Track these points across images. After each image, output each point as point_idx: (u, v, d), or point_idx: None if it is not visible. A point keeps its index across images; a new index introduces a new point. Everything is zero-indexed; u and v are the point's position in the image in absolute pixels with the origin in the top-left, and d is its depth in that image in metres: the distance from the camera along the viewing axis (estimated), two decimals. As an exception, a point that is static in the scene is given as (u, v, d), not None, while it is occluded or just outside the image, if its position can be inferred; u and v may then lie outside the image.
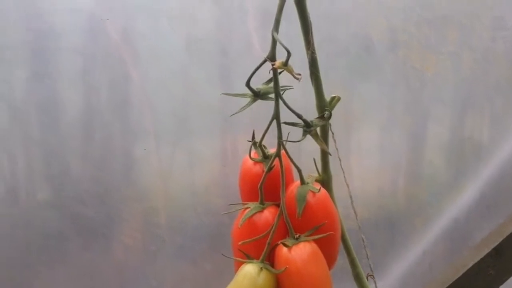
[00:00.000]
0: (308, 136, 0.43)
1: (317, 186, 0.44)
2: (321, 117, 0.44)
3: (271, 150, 0.46)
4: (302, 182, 0.43)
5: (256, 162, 0.45)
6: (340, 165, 0.49)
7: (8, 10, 0.58)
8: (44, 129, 0.60)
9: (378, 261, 0.65)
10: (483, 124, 0.66)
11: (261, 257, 0.40)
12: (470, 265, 0.62)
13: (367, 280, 0.49)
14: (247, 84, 0.42)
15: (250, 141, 0.46)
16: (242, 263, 0.41)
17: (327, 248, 0.42)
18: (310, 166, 0.47)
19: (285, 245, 0.40)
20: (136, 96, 0.61)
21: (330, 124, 0.47)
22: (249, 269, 0.40)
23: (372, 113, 0.64)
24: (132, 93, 0.61)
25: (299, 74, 0.39)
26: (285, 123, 0.42)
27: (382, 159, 0.65)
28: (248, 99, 0.44)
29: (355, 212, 0.48)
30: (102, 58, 0.60)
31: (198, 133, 0.63)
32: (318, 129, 0.45)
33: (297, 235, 0.41)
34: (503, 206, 0.65)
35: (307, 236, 0.41)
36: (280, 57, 0.40)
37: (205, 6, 0.61)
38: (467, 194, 0.66)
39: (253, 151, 0.46)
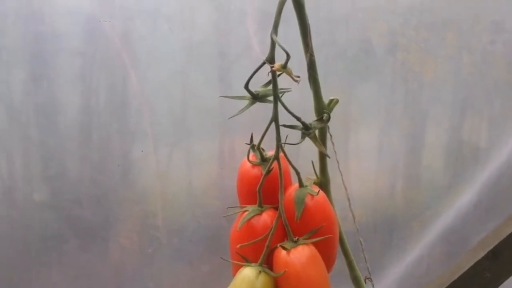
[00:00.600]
0: (307, 139, 0.43)
1: (316, 189, 0.44)
2: (320, 119, 0.44)
3: (270, 152, 0.46)
4: (301, 185, 0.43)
5: (254, 165, 0.45)
6: (338, 167, 0.49)
7: (7, 11, 0.58)
8: (42, 131, 0.60)
9: (376, 264, 0.65)
10: (481, 127, 0.66)
11: (259, 260, 0.40)
12: (467, 267, 0.62)
13: (365, 283, 0.49)
14: (246, 87, 0.42)
15: (248, 144, 0.46)
16: (240, 266, 0.41)
17: (325, 251, 0.42)
18: (308, 169, 0.47)
19: (283, 248, 0.40)
20: (134, 98, 0.61)
21: (328, 127, 0.47)
22: (247, 273, 0.40)
23: (371, 116, 0.64)
24: (130, 95, 0.61)
25: (298, 77, 0.39)
26: (284, 125, 0.42)
27: (380, 162, 0.65)
28: (246, 102, 0.44)
29: (353, 215, 0.48)
30: (101, 60, 0.60)
31: (197, 135, 0.63)
32: (316, 132, 0.45)
33: (296, 238, 0.41)
34: (500, 209, 0.65)
35: (306, 239, 0.41)
36: (279, 59, 0.40)
37: (204, 8, 0.61)
38: (465, 197, 0.66)
39: (251, 154, 0.46)
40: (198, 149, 0.63)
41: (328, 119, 0.44)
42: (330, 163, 0.47)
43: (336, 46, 0.60)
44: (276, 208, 0.42)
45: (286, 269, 0.39)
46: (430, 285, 0.66)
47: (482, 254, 0.61)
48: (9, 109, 0.60)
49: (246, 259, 0.41)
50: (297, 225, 0.42)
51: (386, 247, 0.67)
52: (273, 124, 0.42)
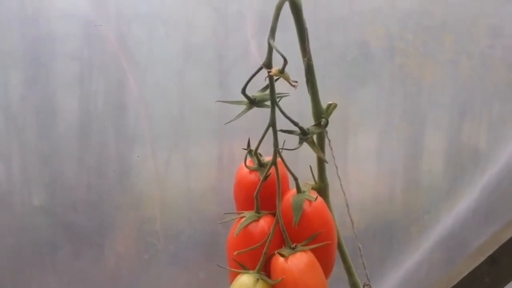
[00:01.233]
0: (305, 143, 0.43)
1: (314, 194, 0.43)
2: (318, 124, 0.43)
3: (267, 158, 0.45)
4: (299, 190, 0.43)
5: (251, 170, 0.45)
6: (337, 172, 0.48)
7: (4, 15, 0.58)
8: (39, 135, 0.60)
9: (375, 269, 0.65)
10: (480, 131, 0.66)
11: (257, 267, 0.40)
12: (466, 273, 0.61)
13: (364, 289, 0.48)
14: (243, 92, 0.42)
15: (245, 149, 0.46)
16: (237, 273, 0.40)
17: (323, 257, 0.41)
18: (307, 173, 0.46)
19: (281, 255, 0.40)
20: (132, 102, 0.61)
21: (326, 132, 0.46)
22: (245, 280, 0.39)
23: (369, 120, 0.64)
24: (128, 99, 0.61)
25: (296, 82, 0.39)
26: (282, 130, 0.42)
27: (379, 166, 0.65)
28: (244, 106, 0.43)
29: (351, 221, 0.48)
30: (99, 64, 0.60)
31: (195, 139, 0.63)
32: (314, 137, 0.44)
33: (294, 245, 0.40)
34: (500, 214, 0.64)
35: (304, 245, 0.40)
36: (277, 64, 0.40)
37: (202, 12, 0.61)
38: (464, 202, 0.65)
39: (248, 159, 0.45)
40: (196, 153, 0.63)
41: (326, 124, 0.43)
42: (328, 168, 0.47)
43: (334, 50, 0.59)
44: (274, 214, 0.42)
45: (284, 277, 0.39)
46: (430, 291, 0.66)
47: (481, 259, 0.60)
48: (6, 112, 0.59)
49: (243, 266, 0.40)
50: (295, 232, 0.41)
51: (385, 252, 0.66)
52: (270, 129, 0.42)
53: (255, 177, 0.44)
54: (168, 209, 0.61)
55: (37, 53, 0.59)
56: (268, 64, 0.41)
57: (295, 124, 0.42)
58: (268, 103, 0.42)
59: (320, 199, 0.43)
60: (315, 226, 0.41)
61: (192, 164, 0.63)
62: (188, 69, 0.62)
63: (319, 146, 0.46)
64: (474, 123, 0.65)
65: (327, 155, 0.47)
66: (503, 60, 0.61)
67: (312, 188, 0.46)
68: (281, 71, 0.39)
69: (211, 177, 0.63)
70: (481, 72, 0.62)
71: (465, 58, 0.61)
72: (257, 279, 0.39)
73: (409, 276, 0.67)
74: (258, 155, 0.45)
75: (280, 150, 0.42)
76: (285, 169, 0.43)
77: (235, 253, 0.40)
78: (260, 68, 0.41)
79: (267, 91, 0.42)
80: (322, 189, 0.47)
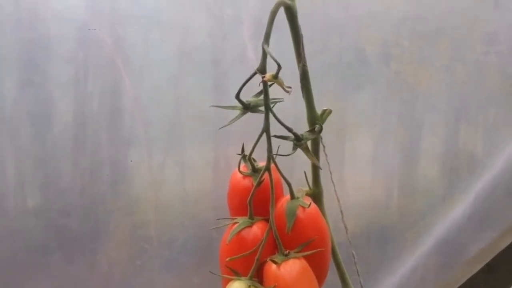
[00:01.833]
0: (300, 149, 0.42)
1: (308, 200, 0.43)
2: (312, 130, 0.43)
3: (261, 163, 0.45)
4: (292, 196, 0.43)
5: (245, 175, 0.44)
6: (331, 178, 0.48)
7: (3, 18, 0.58)
8: (33, 138, 0.59)
9: (369, 275, 0.65)
10: (475, 137, 0.66)
11: (249, 274, 0.40)
12: (462, 281, 0.61)
13: (358, 296, 0.48)
14: (237, 97, 0.42)
15: (239, 154, 0.45)
16: (229, 280, 0.40)
17: (317, 265, 0.41)
18: (302, 178, 0.46)
19: (274, 261, 0.39)
20: (128, 105, 0.61)
21: (321, 137, 0.46)
22: (237, 287, 0.39)
23: (365, 125, 0.63)
24: (124, 102, 0.60)
25: (289, 87, 0.39)
26: (275, 136, 0.42)
27: (375, 171, 0.65)
28: (238, 111, 0.43)
29: (345, 227, 0.48)
30: (94, 66, 0.59)
31: (190, 143, 0.62)
32: (309, 143, 0.44)
33: (287, 251, 0.40)
34: (495, 220, 0.64)
35: (297, 252, 0.40)
36: (272, 69, 0.40)
37: (198, 15, 0.61)
38: (459, 208, 0.65)
39: (242, 165, 0.45)
40: (191, 157, 0.62)
41: (320, 130, 0.43)
42: (323, 173, 0.47)
43: (330, 56, 0.59)
44: (267, 220, 0.42)
45: (276, 284, 0.38)
46: (425, 298, 0.65)
47: (478, 267, 0.60)
48: (0, 116, 0.59)
49: (235, 273, 0.40)
50: (289, 238, 0.41)
51: (380, 258, 0.66)
52: (264, 134, 0.42)
53: (248, 182, 0.44)
54: (162, 214, 0.61)
55: (32, 56, 0.58)
56: (262, 69, 0.40)
57: (289, 130, 0.41)
58: (262, 108, 0.42)
59: (314, 205, 0.43)
60: (309, 232, 0.41)
61: (187, 167, 0.62)
62: (183, 72, 0.62)
63: (314, 152, 0.45)
64: (470, 129, 0.65)
65: (322, 161, 0.47)
66: (499, 67, 0.61)
67: (307, 194, 0.45)
68: (275, 77, 0.39)
69: (205, 181, 0.62)
70: (476, 79, 0.62)
71: (460, 65, 0.61)
72: (249, 286, 0.39)
73: (404, 281, 0.67)
74: (252, 160, 0.45)
75: (274, 155, 0.42)
76: (279, 175, 0.42)
77: (227, 259, 0.40)
78: (254, 73, 0.40)
79: (262, 96, 0.42)
80: (316, 195, 0.46)
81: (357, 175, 0.64)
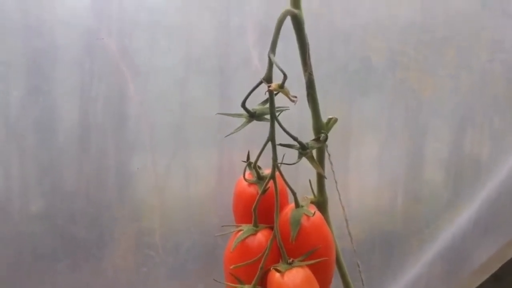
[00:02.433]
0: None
1: (312, 209, 0.43)
2: (317, 139, 0.43)
3: (266, 170, 0.45)
4: (297, 205, 0.43)
5: (250, 183, 0.45)
6: (336, 187, 0.48)
7: (5, 25, 0.58)
8: (39, 144, 0.60)
9: (374, 282, 0.65)
10: (481, 144, 0.65)
11: (253, 282, 0.40)
12: (469, 291, 0.61)
13: (362, 304, 0.48)
14: (243, 105, 0.42)
15: (245, 162, 0.46)
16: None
17: (321, 273, 0.41)
18: (307, 186, 0.46)
19: (277, 270, 0.39)
20: (133, 112, 0.61)
21: (326, 146, 0.46)
22: (241, 295, 0.39)
23: (370, 132, 0.63)
24: (129, 108, 0.61)
25: (295, 97, 0.39)
26: (281, 144, 0.42)
27: (380, 178, 0.65)
28: (243, 119, 0.43)
29: (350, 237, 0.48)
30: (99, 73, 0.60)
31: (196, 148, 0.63)
32: (314, 151, 0.44)
33: (291, 260, 0.40)
34: (501, 228, 0.64)
35: (301, 261, 0.40)
36: (278, 78, 0.40)
37: (204, 21, 0.61)
38: (465, 216, 0.65)
39: (247, 172, 0.46)
40: (197, 163, 0.62)
41: (326, 139, 0.43)
42: (328, 181, 0.47)
43: (335, 63, 0.59)
44: (272, 228, 0.42)
45: (280, 292, 0.39)
46: (429, 305, 0.65)
47: (484, 276, 0.60)
48: (6, 121, 0.59)
49: (239, 280, 0.40)
50: (293, 247, 0.41)
51: (384, 264, 0.66)
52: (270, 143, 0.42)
53: (253, 190, 0.44)
54: (167, 220, 0.61)
55: (38, 63, 0.59)
56: (268, 79, 0.41)
57: (294, 139, 0.42)
58: (268, 116, 0.42)
59: (318, 214, 0.43)
60: (313, 241, 0.41)
61: (192, 173, 0.63)
62: (189, 78, 0.62)
63: (319, 160, 0.46)
64: (475, 135, 0.65)
65: (327, 169, 0.47)
66: (504, 75, 0.61)
67: (311, 202, 0.46)
68: (281, 86, 0.39)
69: (211, 187, 0.62)
70: (481, 86, 0.62)
71: (466, 73, 0.61)
72: (253, 294, 0.39)
73: (409, 289, 0.66)
74: (257, 168, 0.45)
75: (279, 164, 0.42)
76: (284, 182, 0.43)
77: (231, 267, 0.40)
78: (260, 82, 0.41)
79: (267, 105, 0.42)
80: (321, 203, 0.47)
81: (362, 181, 0.64)
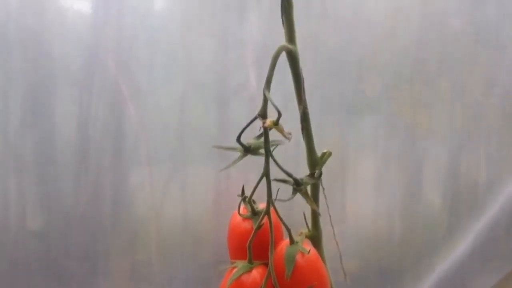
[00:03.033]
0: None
1: (307, 245, 0.43)
2: (311, 175, 0.43)
3: (261, 205, 0.45)
4: (292, 241, 0.42)
5: (245, 218, 0.44)
6: (330, 222, 0.48)
7: (6, 41, 0.58)
8: (36, 161, 0.59)
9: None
10: (477, 176, 0.66)
11: (248, 321, 0.39)
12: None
13: None
14: (238, 140, 0.42)
15: (240, 196, 0.45)
16: (228, 326, 0.39)
17: (316, 311, 0.41)
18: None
19: (272, 308, 0.39)
20: (132, 128, 0.61)
21: (321, 180, 0.46)
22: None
23: (364, 164, 0.64)
24: (127, 125, 0.61)
25: (290, 134, 0.39)
26: (275, 180, 0.42)
27: (375, 210, 0.64)
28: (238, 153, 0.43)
29: (344, 273, 0.47)
30: (98, 89, 0.60)
31: (194, 166, 0.62)
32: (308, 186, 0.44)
33: (285, 298, 0.40)
34: (497, 261, 0.64)
35: (296, 299, 0.40)
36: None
37: (203, 39, 0.61)
38: (461, 249, 0.65)
39: (242, 206, 0.45)
40: (194, 180, 0.62)
41: (320, 175, 0.43)
42: (323, 213, 0.46)
43: (330, 96, 0.60)
44: (267, 265, 0.41)
45: (274, 331, 0.38)
46: None
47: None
48: (5, 138, 0.59)
49: (234, 319, 0.40)
50: (288, 284, 0.40)
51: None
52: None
53: (248, 225, 0.44)
54: (163, 253, 0.60)
55: (38, 79, 0.59)
56: (263, 114, 0.40)
57: (289, 175, 0.41)
58: (263, 151, 0.42)
59: (313, 251, 0.42)
60: (308, 279, 0.41)
61: (189, 193, 0.62)
62: (188, 95, 0.62)
63: (313, 194, 0.46)
64: (471, 165, 0.65)
65: (321, 203, 0.47)
66: (499, 108, 0.62)
67: (306, 236, 0.45)
68: (275, 123, 0.39)
69: (208, 210, 0.62)
70: (476, 118, 0.62)
71: (460, 107, 0.62)
72: (247, 334, 0.38)
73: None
74: (252, 202, 0.45)
75: (274, 200, 0.42)
76: (278, 219, 0.42)
77: (225, 305, 0.40)
78: (255, 118, 0.41)
79: (263, 138, 0.42)
80: (315, 237, 0.46)
81: (357, 213, 0.64)
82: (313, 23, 0.59)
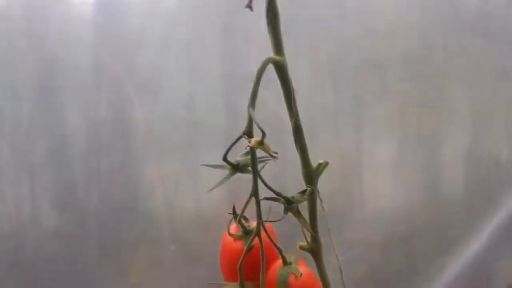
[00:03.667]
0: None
1: (302, 265, 0.41)
2: (303, 192, 0.41)
3: (253, 223, 0.43)
4: (285, 262, 0.41)
5: (236, 238, 0.43)
6: (329, 235, 0.46)
7: (16, 47, 0.58)
8: (47, 162, 0.59)
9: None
10: (490, 172, 0.63)
11: None
12: None
13: None
14: (224, 158, 0.40)
15: (230, 214, 0.44)
16: None
17: (311, 335, 0.39)
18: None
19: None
20: (139, 126, 0.60)
21: (318, 191, 0.44)
22: None
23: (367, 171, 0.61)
24: (135, 123, 0.60)
25: (276, 153, 0.37)
26: (265, 198, 0.40)
27: (382, 215, 0.62)
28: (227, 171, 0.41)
29: (343, 286, 0.45)
30: (107, 90, 0.59)
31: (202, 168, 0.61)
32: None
33: (278, 323, 0.38)
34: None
35: (290, 323, 0.38)
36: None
37: (210, 37, 0.60)
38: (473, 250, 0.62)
39: (233, 225, 0.44)
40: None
41: (312, 193, 0.41)
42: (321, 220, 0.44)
43: (328, 107, 0.58)
44: (259, 286, 0.40)
45: None
46: None
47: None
48: (15, 140, 0.60)
49: None
50: (280, 308, 0.39)
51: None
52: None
53: (239, 245, 0.42)
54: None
55: (47, 83, 0.59)
56: (248, 133, 0.38)
57: (278, 194, 0.39)
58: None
59: (307, 272, 0.41)
60: (302, 302, 0.39)
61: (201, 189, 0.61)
62: (195, 95, 0.61)
63: (310, 209, 0.44)
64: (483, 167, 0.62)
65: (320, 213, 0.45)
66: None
67: (304, 249, 0.44)
68: (260, 143, 0.37)
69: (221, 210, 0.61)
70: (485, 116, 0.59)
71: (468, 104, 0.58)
72: None
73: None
74: (244, 220, 0.43)
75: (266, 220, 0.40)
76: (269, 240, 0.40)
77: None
78: (240, 137, 0.39)
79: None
80: (315, 250, 0.44)
81: (363, 220, 0.62)
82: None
